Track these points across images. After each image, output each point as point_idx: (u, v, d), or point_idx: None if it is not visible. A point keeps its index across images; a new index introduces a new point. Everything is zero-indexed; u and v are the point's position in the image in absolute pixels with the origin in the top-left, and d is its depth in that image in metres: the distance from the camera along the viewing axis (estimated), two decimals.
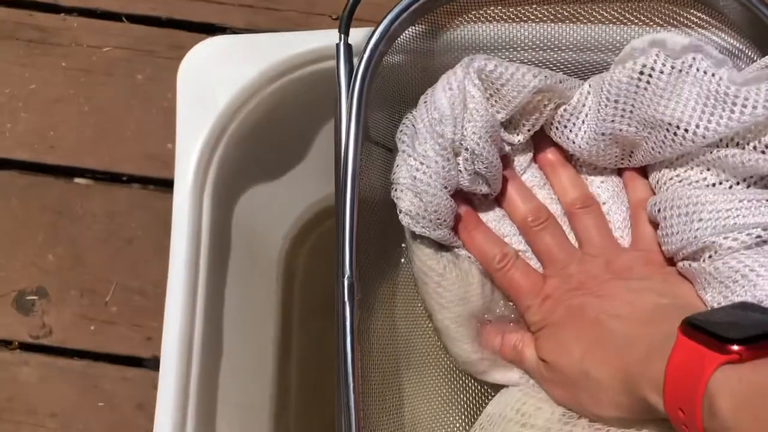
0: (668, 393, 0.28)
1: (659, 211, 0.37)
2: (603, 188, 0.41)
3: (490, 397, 0.42)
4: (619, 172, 0.42)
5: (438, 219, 0.38)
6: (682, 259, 0.36)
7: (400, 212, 0.38)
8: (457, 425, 0.42)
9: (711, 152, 0.35)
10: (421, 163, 0.37)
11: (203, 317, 0.41)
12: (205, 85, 0.41)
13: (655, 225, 0.38)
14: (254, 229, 0.51)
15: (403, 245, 0.43)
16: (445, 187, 0.38)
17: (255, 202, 0.49)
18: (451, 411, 0.43)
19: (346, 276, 0.36)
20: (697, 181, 0.36)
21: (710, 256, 0.34)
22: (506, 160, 0.42)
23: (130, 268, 0.63)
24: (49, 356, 0.62)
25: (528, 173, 0.43)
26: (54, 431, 0.60)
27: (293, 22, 0.69)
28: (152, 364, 0.62)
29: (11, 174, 0.66)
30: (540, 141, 0.42)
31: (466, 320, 0.39)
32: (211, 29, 0.70)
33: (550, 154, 0.42)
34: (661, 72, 0.36)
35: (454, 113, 0.37)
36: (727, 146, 0.35)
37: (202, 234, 0.41)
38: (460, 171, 0.38)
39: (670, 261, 0.38)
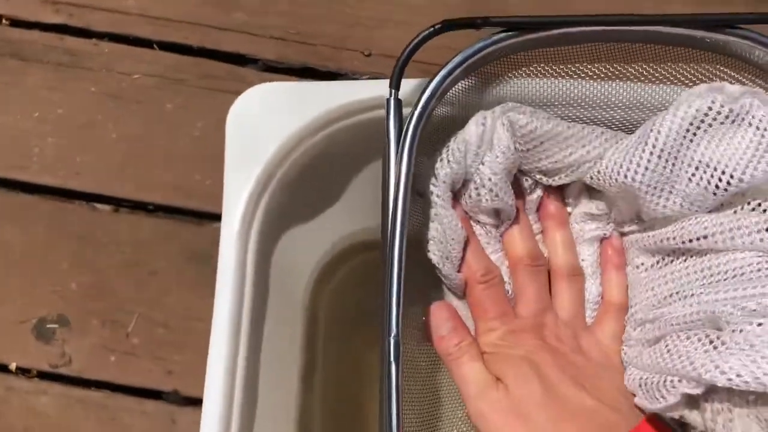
0: None
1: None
2: (588, 262, 0.42)
3: None
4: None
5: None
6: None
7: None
8: None
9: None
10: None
11: (245, 358, 0.41)
12: (253, 131, 0.41)
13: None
14: (287, 266, 0.51)
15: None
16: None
17: (292, 241, 0.49)
18: None
19: (392, 335, 0.35)
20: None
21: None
22: (519, 195, 0.42)
23: (153, 300, 0.63)
24: (68, 386, 0.61)
25: (532, 217, 0.43)
26: None
27: (324, 57, 0.69)
28: (172, 397, 0.61)
29: (37, 199, 0.66)
30: (549, 192, 0.43)
31: None
32: (241, 60, 0.70)
33: (554, 209, 0.42)
34: (718, 113, 0.36)
35: (478, 146, 0.38)
36: None
37: (246, 276, 0.41)
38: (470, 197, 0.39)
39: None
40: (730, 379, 0.32)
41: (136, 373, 0.61)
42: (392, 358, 0.36)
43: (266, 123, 0.41)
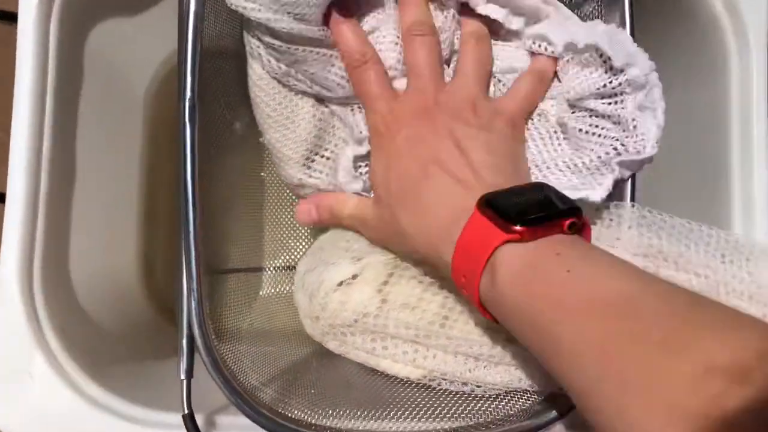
0: (456, 260, 0.31)
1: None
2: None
3: None
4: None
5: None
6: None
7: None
8: (298, 252, 0.46)
9: None
10: None
11: (52, 142, 0.43)
12: None
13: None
14: (115, 65, 0.52)
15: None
16: None
17: (114, 37, 0.49)
18: (293, 239, 0.47)
19: (188, 98, 0.37)
20: None
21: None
22: None
23: None
24: None
25: None
26: None
27: None
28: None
29: None
30: None
31: (292, 144, 0.40)
32: None
33: None
34: None
35: None
36: None
37: (49, 60, 0.42)
38: None
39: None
40: None
41: None
42: (187, 119, 0.38)
43: None
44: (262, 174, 0.46)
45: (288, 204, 0.46)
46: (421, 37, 0.37)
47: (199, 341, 0.38)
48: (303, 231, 0.46)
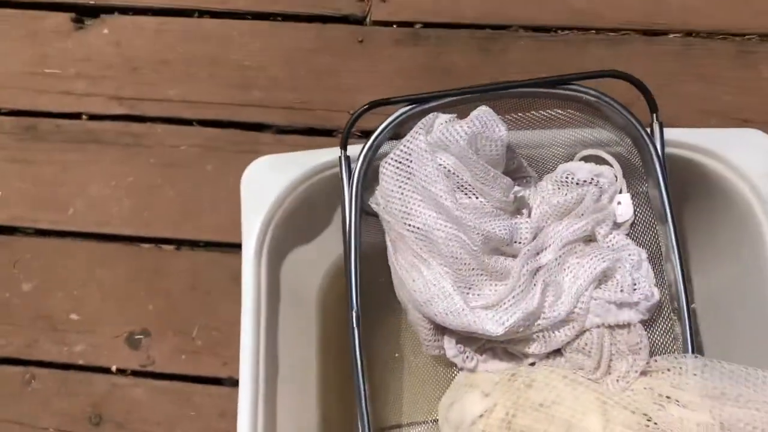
0: None
1: None
2: None
3: None
4: None
5: None
6: None
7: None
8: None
9: None
10: None
11: (265, 346, 0.62)
12: (260, 186, 0.63)
13: None
14: (296, 280, 0.71)
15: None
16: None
17: (295, 260, 0.70)
18: (438, 390, 0.62)
19: (354, 309, 0.56)
20: None
21: None
22: None
23: (209, 312, 0.85)
24: (154, 380, 0.84)
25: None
26: None
27: (321, 118, 0.91)
28: (229, 382, 0.83)
29: (119, 246, 0.89)
30: None
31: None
32: (260, 127, 0.92)
33: None
34: None
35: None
36: None
37: (261, 286, 0.62)
38: None
39: None
40: None
41: (202, 366, 0.83)
42: (354, 325, 0.56)
43: (267, 181, 0.62)
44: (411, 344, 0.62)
45: (434, 364, 0.61)
46: None
47: None
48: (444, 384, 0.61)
